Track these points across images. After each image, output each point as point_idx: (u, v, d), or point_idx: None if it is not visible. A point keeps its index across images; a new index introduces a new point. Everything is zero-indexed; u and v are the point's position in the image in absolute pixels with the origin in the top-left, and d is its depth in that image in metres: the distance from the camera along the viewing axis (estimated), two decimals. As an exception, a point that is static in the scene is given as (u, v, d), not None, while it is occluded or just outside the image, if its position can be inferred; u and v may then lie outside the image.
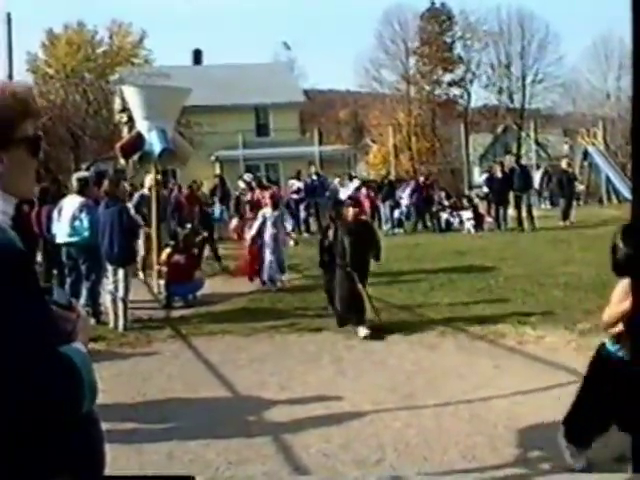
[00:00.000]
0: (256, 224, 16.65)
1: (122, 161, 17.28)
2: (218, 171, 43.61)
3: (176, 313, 14.61)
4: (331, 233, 12.64)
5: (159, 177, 17.89)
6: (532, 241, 23.28)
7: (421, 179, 33.24)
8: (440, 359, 10.47)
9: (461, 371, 9.74)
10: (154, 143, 15.94)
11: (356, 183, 32.22)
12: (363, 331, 11.70)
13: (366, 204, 31.90)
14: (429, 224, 30.67)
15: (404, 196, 32.36)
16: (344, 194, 30.80)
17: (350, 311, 12.11)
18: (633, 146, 3.21)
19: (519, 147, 63.30)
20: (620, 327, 5.82)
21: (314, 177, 32.51)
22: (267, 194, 18.03)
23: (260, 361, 10.80)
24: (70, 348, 2.49)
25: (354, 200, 14.24)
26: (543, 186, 37.11)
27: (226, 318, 13.79)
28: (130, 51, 50.85)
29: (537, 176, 36.44)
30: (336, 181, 33.33)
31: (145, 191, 18.85)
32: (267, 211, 16.74)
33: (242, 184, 29.11)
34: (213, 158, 48.24)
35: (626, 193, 33.94)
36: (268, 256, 16.41)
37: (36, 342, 2.33)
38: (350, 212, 12.48)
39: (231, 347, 11.72)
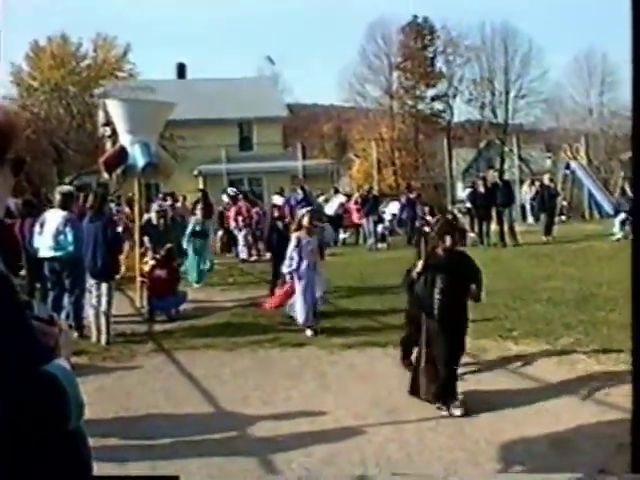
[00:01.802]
0: (289, 251, 13.42)
1: (105, 175, 17.25)
2: (201, 185, 43.56)
3: (159, 327, 14.58)
4: (417, 272, 9.12)
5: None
6: (514, 256, 23.34)
7: (412, 195, 33.11)
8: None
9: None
10: (137, 157, 15.93)
11: (341, 198, 32.16)
12: (458, 410, 8.72)
13: (354, 216, 32.07)
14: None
15: (394, 211, 32.43)
16: (330, 209, 30.91)
17: (448, 381, 8.88)
18: (633, 152, 3.24)
19: (502, 162, 63.45)
20: None
21: (299, 192, 32.52)
22: (305, 215, 13.81)
23: (243, 376, 10.80)
24: (54, 365, 2.49)
25: (449, 225, 9.65)
26: (525, 203, 36.50)
27: (209, 332, 13.78)
28: (114, 64, 50.74)
29: (528, 189, 35.93)
30: (321, 199, 33.28)
31: (152, 215, 18.89)
32: (301, 234, 13.42)
33: (226, 198, 29.11)
34: (196, 172, 48.14)
35: (608, 208, 34.09)
36: (302, 296, 13.37)
37: (20, 361, 2.34)
38: (447, 241, 9.06)
39: (214, 361, 11.71)
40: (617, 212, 27.92)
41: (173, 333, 13.96)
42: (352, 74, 67.54)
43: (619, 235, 25.76)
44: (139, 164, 15.92)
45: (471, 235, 28.48)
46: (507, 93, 67.17)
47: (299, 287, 13.42)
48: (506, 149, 63.02)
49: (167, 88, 43.36)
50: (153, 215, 18.23)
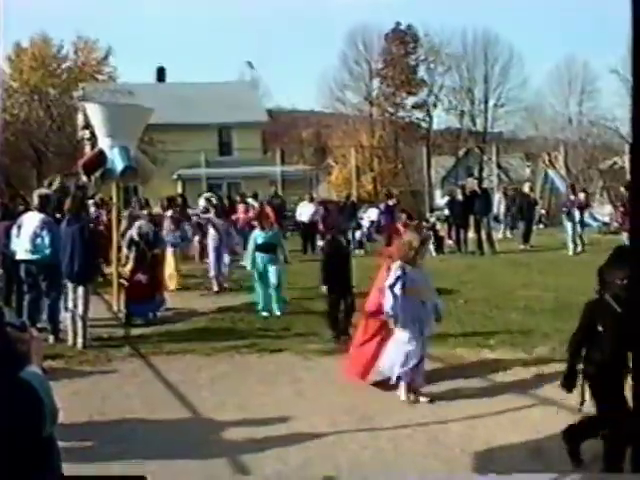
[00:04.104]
0: (390, 279, 9.70)
1: (84, 178, 17.19)
2: (180, 190, 43.51)
3: (136, 331, 14.51)
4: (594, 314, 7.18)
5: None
6: (492, 264, 23.39)
7: (390, 202, 32.59)
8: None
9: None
10: (116, 161, 15.90)
11: (311, 207, 31.09)
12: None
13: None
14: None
15: (373, 217, 32.36)
16: (304, 216, 30.77)
17: None
18: (632, 153, 3.26)
19: (481, 170, 63.49)
20: None
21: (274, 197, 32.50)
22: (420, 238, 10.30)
23: (220, 381, 10.80)
24: (28, 372, 2.49)
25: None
26: (501, 210, 35.89)
27: (186, 337, 13.75)
28: (95, 67, 50.69)
29: (495, 200, 35.43)
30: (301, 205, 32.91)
31: (134, 232, 18.61)
32: (403, 265, 9.74)
33: (203, 202, 28.95)
34: (175, 176, 48.08)
35: (588, 218, 34.21)
36: (401, 348, 9.74)
37: None
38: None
39: (191, 367, 11.69)
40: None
41: (150, 338, 13.91)
42: (332, 80, 67.50)
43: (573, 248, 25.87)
44: (118, 168, 15.89)
45: (449, 242, 28.61)
46: (486, 101, 67.17)
47: (402, 337, 9.72)
48: (485, 157, 63.09)
49: (147, 92, 43.37)
50: (134, 233, 17.30)
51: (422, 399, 9.54)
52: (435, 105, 68.44)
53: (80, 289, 13.12)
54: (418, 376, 9.76)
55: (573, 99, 64.37)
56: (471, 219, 27.49)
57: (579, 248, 25.80)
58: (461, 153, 68.55)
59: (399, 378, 9.68)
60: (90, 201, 21.99)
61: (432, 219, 31.76)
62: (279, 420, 8.82)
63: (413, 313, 9.66)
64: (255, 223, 18.72)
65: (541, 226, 37.77)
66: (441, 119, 70.78)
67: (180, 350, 12.65)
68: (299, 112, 76.33)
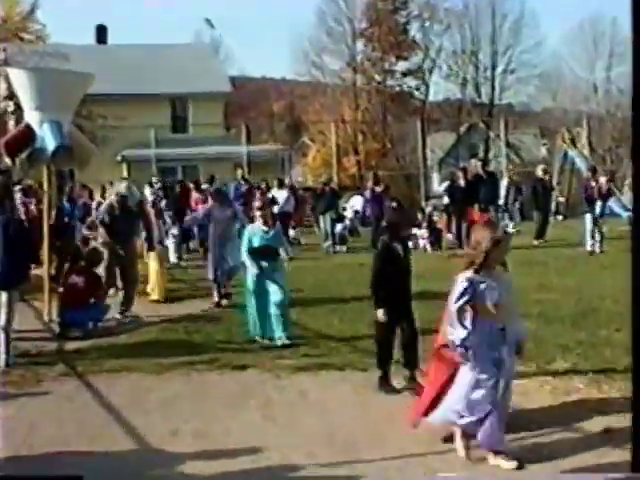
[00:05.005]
0: (453, 297, 8.42)
1: (7, 160, 17.11)
2: (125, 174, 43.40)
3: (71, 345, 14.46)
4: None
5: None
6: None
7: (378, 189, 32.18)
8: (389, 403, 10.49)
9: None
10: (47, 139, 15.81)
11: (283, 195, 31.05)
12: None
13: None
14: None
15: (357, 207, 32.40)
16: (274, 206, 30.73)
17: None
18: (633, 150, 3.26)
19: (487, 150, 63.72)
20: None
21: (242, 183, 32.37)
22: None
23: (172, 404, 10.76)
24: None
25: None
26: (509, 201, 35.81)
27: (132, 352, 13.72)
28: (19, 24, 50.41)
29: (501, 188, 35.28)
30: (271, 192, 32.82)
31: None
32: (471, 275, 8.36)
33: (149, 191, 28.87)
34: (119, 158, 48.02)
35: (616, 207, 34.18)
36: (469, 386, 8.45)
37: None
38: None
39: (138, 387, 11.66)
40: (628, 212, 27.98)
41: (89, 353, 13.86)
42: (308, 42, 67.16)
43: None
44: (49, 147, 15.80)
45: (448, 237, 28.58)
46: (494, 67, 67.21)
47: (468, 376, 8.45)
48: (492, 134, 63.19)
49: (84, 55, 43.27)
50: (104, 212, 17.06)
51: (503, 462, 8.18)
52: (431, 71, 68.56)
53: (3, 295, 13.01)
54: (492, 433, 8.28)
55: (599, 63, 64.39)
56: (475, 208, 27.49)
57: (597, 245, 25.66)
58: (463, 129, 68.64)
59: (460, 428, 8.54)
60: (16, 188, 21.92)
61: (428, 209, 31.84)
62: (245, 451, 8.79)
63: (487, 342, 8.31)
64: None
65: (559, 217, 37.76)
66: (439, 88, 71.26)
67: (125, 367, 12.61)
68: (268, 80, 76.39)
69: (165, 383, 11.82)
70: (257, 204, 14.87)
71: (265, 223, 14.54)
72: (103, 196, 26.84)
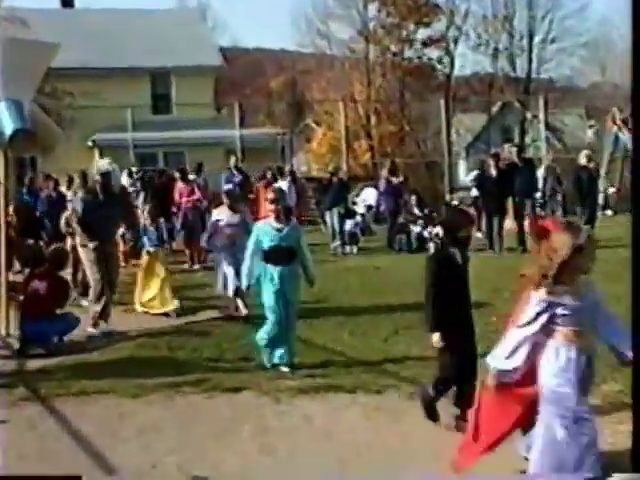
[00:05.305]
0: (528, 314, 8.07)
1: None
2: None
3: (34, 364, 14.48)
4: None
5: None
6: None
7: (394, 179, 31.96)
8: (406, 430, 10.52)
9: (434, 445, 9.74)
10: (3, 121, 15.84)
11: (283, 186, 30.86)
12: None
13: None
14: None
15: (370, 201, 32.38)
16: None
17: None
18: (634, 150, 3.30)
19: (523, 133, 63.65)
20: None
21: (235, 173, 32.35)
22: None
23: (152, 433, 10.78)
24: None
25: None
26: (546, 193, 35.52)
27: (105, 372, 13.73)
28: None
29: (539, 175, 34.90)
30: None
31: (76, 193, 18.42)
32: (546, 296, 7.90)
33: (127, 181, 28.86)
34: (90, 143, 48.02)
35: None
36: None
37: None
38: None
39: (112, 413, 11.67)
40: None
41: (54, 373, 13.86)
42: (311, 6, 67.20)
43: None
44: (6, 131, 15.83)
45: (478, 236, 28.55)
46: (531, 36, 66.95)
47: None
48: (529, 115, 63.11)
49: (47, 21, 43.37)
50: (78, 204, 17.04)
51: None
52: (457, 41, 68.28)
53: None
54: None
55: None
56: (509, 202, 27.45)
57: None
58: (495, 109, 68.43)
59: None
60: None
61: (454, 202, 31.74)
62: (238, 487, 8.83)
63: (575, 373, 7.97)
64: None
65: (608, 212, 37.62)
66: (466, 60, 71.02)
67: (96, 390, 12.62)
68: (266, 52, 76.39)
69: (144, 408, 11.83)
70: (270, 196, 14.26)
71: (278, 219, 13.74)
72: (69, 188, 26.80)
